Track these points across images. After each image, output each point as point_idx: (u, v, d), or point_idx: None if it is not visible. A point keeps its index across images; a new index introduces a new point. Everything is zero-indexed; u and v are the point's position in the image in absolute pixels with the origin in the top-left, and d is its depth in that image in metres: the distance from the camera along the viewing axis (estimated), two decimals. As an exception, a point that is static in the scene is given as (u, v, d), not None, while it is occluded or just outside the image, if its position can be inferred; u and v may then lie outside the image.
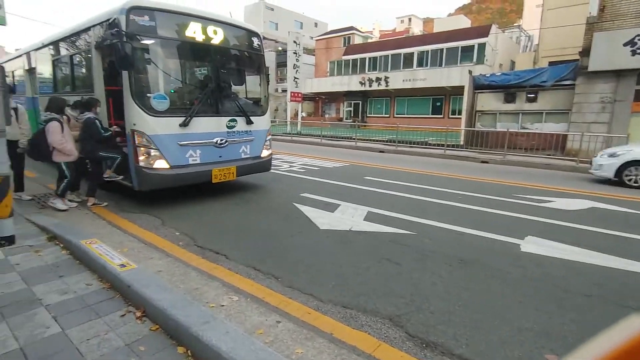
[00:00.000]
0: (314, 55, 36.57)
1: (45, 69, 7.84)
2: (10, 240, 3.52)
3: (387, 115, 29.42)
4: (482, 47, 23.99)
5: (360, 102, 30.84)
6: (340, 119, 31.56)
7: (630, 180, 7.77)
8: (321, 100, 35.50)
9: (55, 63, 7.23)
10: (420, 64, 26.84)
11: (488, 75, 15.29)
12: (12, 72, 9.75)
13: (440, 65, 25.59)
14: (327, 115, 34.24)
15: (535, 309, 2.72)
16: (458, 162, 11.77)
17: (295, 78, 21.43)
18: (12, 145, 5.05)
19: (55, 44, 6.98)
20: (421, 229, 4.49)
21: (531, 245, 4.02)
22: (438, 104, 26.68)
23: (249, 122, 5.89)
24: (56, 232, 3.73)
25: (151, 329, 2.27)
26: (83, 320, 2.35)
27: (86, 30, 5.67)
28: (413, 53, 27.25)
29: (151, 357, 2.02)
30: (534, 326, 2.51)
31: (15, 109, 5.02)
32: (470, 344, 2.32)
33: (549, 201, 6.10)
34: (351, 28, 36.20)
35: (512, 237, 4.23)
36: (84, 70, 6.28)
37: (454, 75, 23.19)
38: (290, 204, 5.50)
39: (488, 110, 15.03)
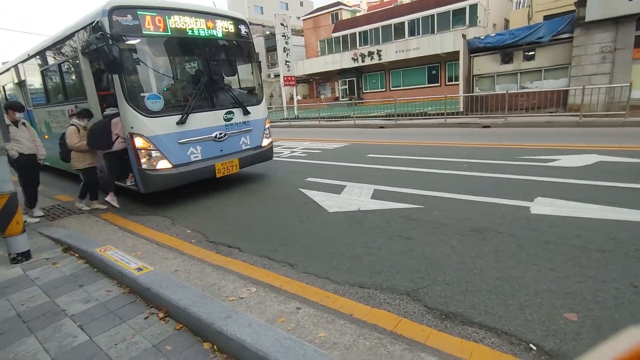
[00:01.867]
0: (302, 35, 35.82)
1: (35, 80, 7.76)
2: (26, 255, 3.57)
3: (383, 90, 29.00)
4: (473, 8, 23.32)
5: (355, 78, 30.36)
6: (337, 98, 31.17)
7: None
8: (315, 81, 35.00)
9: (45, 73, 7.13)
10: (412, 33, 26.23)
11: (482, 37, 14.91)
12: (3, 87, 9.67)
13: (433, 32, 24.99)
14: (322, 96, 33.83)
15: (551, 270, 2.74)
16: (459, 129, 11.65)
17: (286, 62, 21.08)
18: (31, 158, 5.02)
19: (41, 53, 6.87)
20: (430, 202, 4.49)
21: (541, 206, 4.01)
22: (434, 72, 26.21)
23: (246, 113, 5.84)
24: (70, 242, 3.77)
25: (175, 328, 2.32)
26: (108, 326, 2.40)
27: (70, 36, 5.57)
28: (404, 22, 26.60)
29: (179, 356, 2.07)
30: (551, 287, 2.53)
31: (24, 124, 5.01)
32: (488, 310, 2.34)
33: (555, 160, 6.04)
34: (338, 3, 35.25)
35: (522, 200, 4.22)
36: (74, 77, 6.21)
37: (448, 41, 22.65)
38: (296, 190, 5.50)
39: (485, 73, 14.75)
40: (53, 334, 2.37)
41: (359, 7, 47.58)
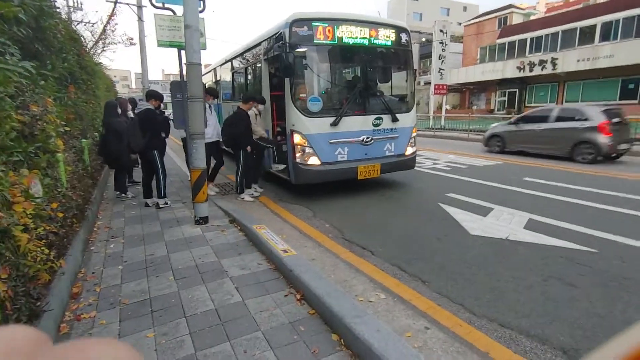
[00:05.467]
0: (461, 42, 33.68)
1: (226, 80, 9.59)
2: (205, 220, 4.47)
3: (554, 104, 24.80)
4: None
5: (517, 90, 26.88)
6: (492, 111, 28.26)
7: None
8: (468, 91, 32.52)
9: (234, 74, 8.74)
10: (605, 38, 21.53)
11: None
12: (205, 84, 12.26)
13: (638, 36, 19.96)
14: (475, 107, 31.16)
15: None
16: (663, 161, 9.00)
17: (440, 69, 20.22)
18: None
19: (234, 58, 8.44)
20: (606, 247, 3.63)
21: None
22: (631, 86, 20.95)
23: (395, 120, 5.87)
24: (235, 216, 4.53)
25: (309, 312, 2.53)
26: (257, 294, 2.79)
27: (257, 45, 6.65)
28: (595, 25, 22.06)
29: (310, 338, 2.25)
30: None
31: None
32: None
33: None
34: (509, 6, 31.71)
35: None
36: (255, 78, 7.40)
37: (660, 48, 17.73)
38: (435, 204, 5.25)
39: None
40: (217, 288, 2.90)
41: (535, 9, 41.82)
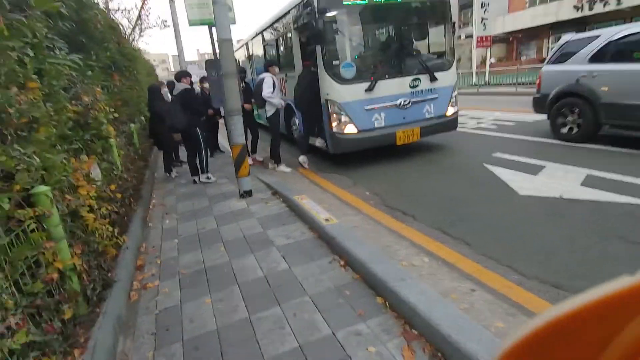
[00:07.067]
0: (507, -15, 30.49)
1: (259, 54, 9.55)
2: (249, 193, 4.65)
3: None
4: None
5: (575, 33, 24.18)
6: (543, 60, 25.79)
7: None
8: (516, 40, 29.78)
9: (265, 47, 8.67)
10: (684, -40, 18.43)
11: None
12: (238, 60, 12.31)
13: None
14: (524, 58, 28.61)
15: None
16: None
17: (483, 19, 18.57)
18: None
19: (264, 30, 8.33)
20: (678, 201, 3.30)
21: None
22: None
23: (433, 79, 5.57)
24: (277, 188, 4.66)
25: (354, 277, 2.60)
26: (302, 261, 2.91)
27: (286, 14, 6.50)
28: (671, -54, 18.87)
29: (355, 301, 2.33)
30: None
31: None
32: None
33: None
34: (563, -64, 27.95)
35: None
36: (286, 49, 7.30)
37: None
38: (480, 166, 5.02)
39: None
40: (265, 256, 3.06)
41: None
